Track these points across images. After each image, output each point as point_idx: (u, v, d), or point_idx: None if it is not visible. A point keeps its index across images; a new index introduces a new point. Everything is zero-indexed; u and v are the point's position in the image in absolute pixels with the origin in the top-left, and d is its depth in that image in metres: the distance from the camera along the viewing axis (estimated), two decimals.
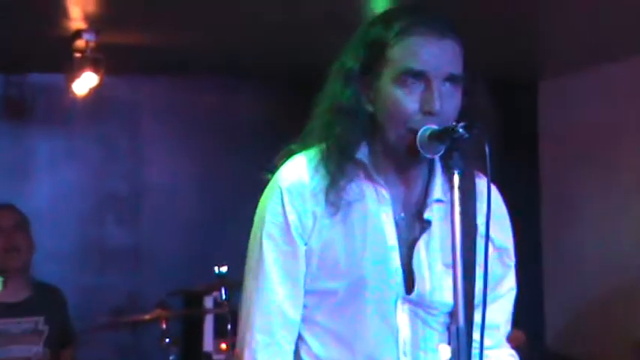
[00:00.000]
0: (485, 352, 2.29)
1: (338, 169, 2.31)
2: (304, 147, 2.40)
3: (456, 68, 2.26)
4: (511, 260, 2.47)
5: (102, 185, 7.08)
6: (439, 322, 2.39)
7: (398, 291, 2.32)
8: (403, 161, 2.32)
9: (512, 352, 2.52)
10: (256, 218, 2.40)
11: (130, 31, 5.90)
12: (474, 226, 2.34)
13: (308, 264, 2.33)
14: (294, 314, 2.35)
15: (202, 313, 6.44)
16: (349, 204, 2.31)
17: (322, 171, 2.32)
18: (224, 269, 5.60)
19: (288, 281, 2.33)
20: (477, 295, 2.35)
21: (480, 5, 5.35)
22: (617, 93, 7.01)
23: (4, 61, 6.53)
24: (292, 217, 2.31)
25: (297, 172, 2.35)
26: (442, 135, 2.17)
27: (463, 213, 2.16)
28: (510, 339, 2.50)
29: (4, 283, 3.56)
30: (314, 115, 2.39)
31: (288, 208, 2.32)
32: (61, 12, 5.37)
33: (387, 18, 2.32)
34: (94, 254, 6.98)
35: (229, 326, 5.85)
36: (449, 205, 2.26)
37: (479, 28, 6.03)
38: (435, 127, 2.19)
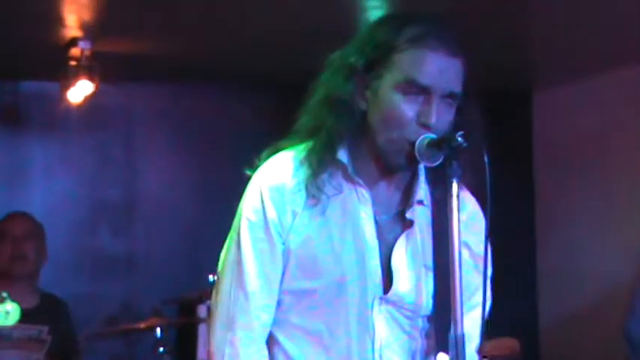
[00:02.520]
0: None
1: (320, 163, 2.31)
2: (292, 143, 2.40)
3: (457, 87, 2.28)
4: (487, 270, 2.43)
5: (96, 193, 7.06)
6: (416, 326, 2.39)
7: (376, 291, 2.32)
8: (387, 164, 2.32)
9: None
10: (237, 215, 2.41)
11: (125, 39, 5.90)
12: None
13: (285, 264, 2.33)
14: (268, 313, 2.36)
15: (196, 321, 6.43)
16: (328, 203, 2.31)
17: (306, 164, 2.33)
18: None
19: (265, 280, 2.34)
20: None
21: (473, 16, 5.37)
22: (610, 103, 7.04)
23: None
24: (272, 215, 2.32)
25: (279, 171, 2.36)
26: (441, 143, 2.18)
27: (444, 220, 2.17)
28: (505, 348, 2.50)
29: (10, 294, 3.57)
30: (306, 106, 2.39)
31: (267, 206, 2.33)
32: (57, 20, 5.38)
33: (399, 21, 2.32)
34: (88, 262, 6.97)
35: None
36: (430, 209, 2.35)
37: (473, 39, 6.08)
38: (433, 135, 2.20)
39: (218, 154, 7.17)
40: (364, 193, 2.33)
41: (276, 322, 2.37)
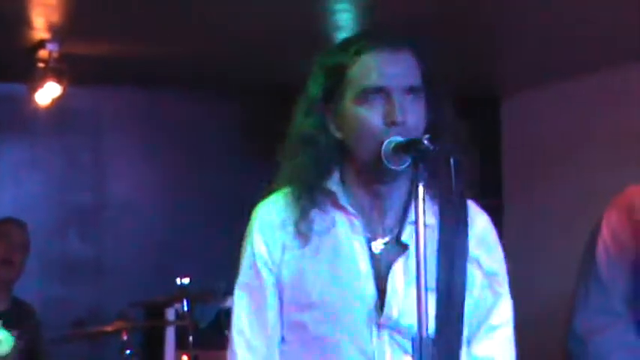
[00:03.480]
0: None
1: (307, 200, 2.31)
2: (279, 187, 2.41)
3: (414, 80, 2.27)
4: (502, 288, 2.42)
5: (65, 197, 7.04)
6: None
7: (372, 317, 2.30)
8: (376, 181, 2.31)
9: None
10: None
11: (93, 41, 5.89)
12: (465, 252, 2.32)
13: (281, 296, 2.33)
14: (264, 348, 2.36)
15: (163, 324, 6.42)
16: (319, 235, 2.31)
17: (290, 208, 2.33)
18: (186, 281, 5.59)
19: (255, 318, 2.35)
20: (468, 327, 2.34)
21: (443, 25, 5.42)
22: (576, 109, 7.13)
23: None
24: (261, 252, 2.34)
25: (269, 207, 2.37)
26: (407, 147, 2.17)
27: (452, 237, 2.16)
28: None
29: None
30: (284, 150, 2.39)
31: (257, 242, 2.34)
32: (25, 22, 5.36)
33: (343, 44, 2.35)
34: (57, 266, 6.94)
35: (190, 338, 5.83)
36: (431, 230, 2.28)
37: (441, 47, 6.15)
38: (399, 138, 2.20)
39: (187, 158, 7.16)
40: (355, 221, 2.32)
41: (283, 355, 2.38)
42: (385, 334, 2.30)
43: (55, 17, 5.36)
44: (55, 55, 5.73)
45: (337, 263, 2.30)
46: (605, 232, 2.98)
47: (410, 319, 2.26)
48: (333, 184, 2.33)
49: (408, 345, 2.27)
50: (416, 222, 2.11)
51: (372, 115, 2.24)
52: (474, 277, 2.32)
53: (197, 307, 5.88)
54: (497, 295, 2.41)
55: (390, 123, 2.22)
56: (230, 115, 7.07)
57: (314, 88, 2.34)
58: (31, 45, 5.72)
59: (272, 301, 2.34)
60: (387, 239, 2.35)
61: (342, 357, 2.29)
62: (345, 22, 5.44)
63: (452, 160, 2.12)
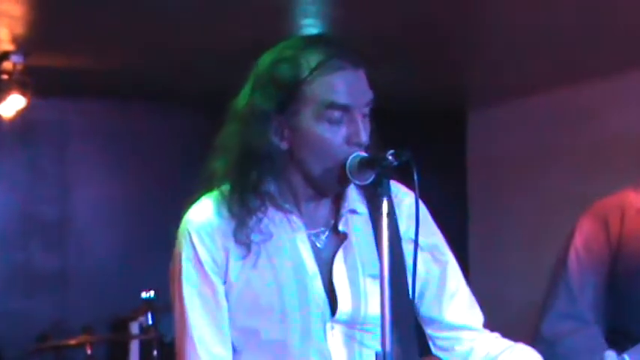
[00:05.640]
0: (471, 344, 2.38)
1: (243, 208, 2.27)
2: (208, 190, 2.35)
3: (371, 95, 2.27)
4: (444, 255, 2.43)
5: (28, 208, 7.00)
6: (378, 339, 2.34)
7: (324, 316, 2.28)
8: (323, 191, 2.30)
9: (496, 334, 2.47)
10: (171, 266, 2.35)
11: (58, 53, 5.86)
12: (398, 235, 2.32)
13: (228, 300, 2.28)
14: (226, 354, 2.30)
15: (128, 338, 6.39)
16: (260, 242, 2.27)
17: (226, 213, 2.28)
18: (151, 294, 5.57)
19: (213, 324, 2.29)
20: (425, 304, 2.39)
21: (407, 39, 5.45)
22: (541, 123, 7.20)
23: None
24: (205, 257, 2.28)
25: (203, 213, 2.31)
26: (372, 163, 2.16)
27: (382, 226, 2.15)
28: None
29: None
30: (216, 154, 2.33)
31: (199, 248, 2.28)
32: None
33: (293, 55, 2.28)
34: (19, 278, 6.89)
35: (155, 352, 5.81)
36: (365, 217, 2.31)
37: (409, 63, 6.21)
38: (363, 154, 2.19)
39: (151, 170, 7.15)
40: (295, 219, 2.30)
41: None
42: (338, 330, 2.28)
43: (20, 29, 5.33)
44: (19, 67, 5.70)
45: (282, 266, 2.27)
46: (578, 241, 2.98)
47: (361, 311, 2.28)
48: (269, 185, 2.29)
49: (366, 336, 2.29)
50: (380, 234, 2.12)
51: (334, 133, 2.21)
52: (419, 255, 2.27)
53: (162, 320, 5.86)
54: (442, 263, 2.42)
55: (355, 144, 2.22)
56: (196, 127, 7.05)
57: (262, 98, 2.27)
58: None
59: (225, 306, 2.29)
60: (325, 230, 2.33)
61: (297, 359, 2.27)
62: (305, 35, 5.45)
63: (415, 175, 2.13)
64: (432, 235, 2.42)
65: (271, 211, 2.30)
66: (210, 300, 2.29)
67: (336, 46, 2.27)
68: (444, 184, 7.01)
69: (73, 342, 5.59)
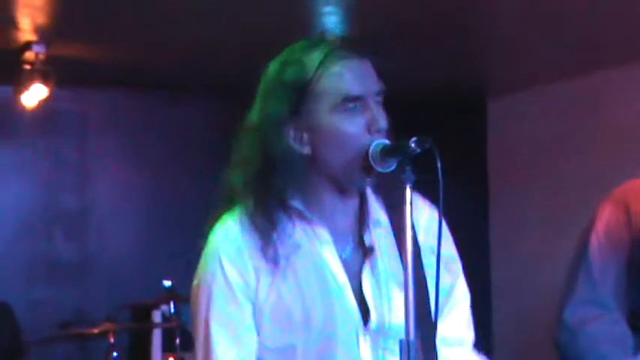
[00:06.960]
0: None
1: (268, 221, 2.26)
2: (230, 206, 2.33)
3: (381, 85, 2.27)
4: (457, 267, 2.44)
5: (50, 198, 7.03)
6: None
7: (358, 328, 2.27)
8: (345, 186, 2.29)
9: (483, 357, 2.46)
10: (197, 287, 2.32)
11: (80, 43, 5.88)
12: (417, 245, 2.29)
13: (259, 322, 2.26)
14: None
15: (150, 326, 6.41)
16: (288, 257, 2.25)
17: (251, 230, 2.26)
18: (173, 282, 5.59)
19: (241, 352, 2.26)
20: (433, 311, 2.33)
21: (428, 29, 5.44)
22: (562, 111, 7.18)
23: None
24: (236, 280, 2.25)
25: (229, 233, 2.29)
26: (394, 150, 2.17)
27: (405, 232, 2.15)
28: None
29: None
30: (233, 169, 2.31)
31: (228, 269, 2.26)
32: (11, 23, 5.35)
33: (297, 57, 2.29)
34: (42, 268, 6.93)
35: (177, 340, 5.84)
36: (387, 227, 2.30)
37: (429, 52, 6.21)
38: (386, 141, 2.20)
39: (172, 159, 7.17)
40: (323, 232, 2.29)
41: None
42: (368, 340, 2.28)
43: (42, 19, 5.35)
44: (41, 57, 5.72)
45: (313, 280, 2.26)
46: (599, 226, 2.98)
47: (386, 320, 2.28)
48: (293, 195, 2.28)
49: (393, 345, 2.25)
50: (404, 226, 2.12)
51: (352, 123, 2.22)
52: (432, 264, 2.27)
53: (184, 309, 5.88)
54: (454, 274, 2.43)
55: (375, 131, 2.22)
56: (217, 117, 7.06)
57: (274, 105, 2.26)
58: (17, 47, 5.71)
59: (252, 327, 2.26)
60: (351, 242, 2.33)
61: None
62: (331, 24, 5.45)
63: (439, 163, 2.13)
64: (448, 245, 2.42)
65: (297, 223, 2.29)
66: (239, 325, 2.27)
67: (338, 42, 2.28)
68: (465, 173, 6.99)
69: (95, 330, 5.61)
